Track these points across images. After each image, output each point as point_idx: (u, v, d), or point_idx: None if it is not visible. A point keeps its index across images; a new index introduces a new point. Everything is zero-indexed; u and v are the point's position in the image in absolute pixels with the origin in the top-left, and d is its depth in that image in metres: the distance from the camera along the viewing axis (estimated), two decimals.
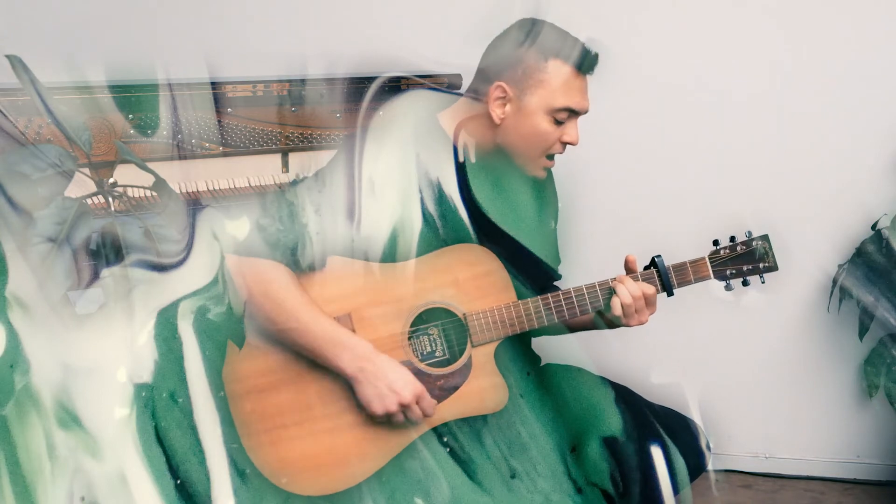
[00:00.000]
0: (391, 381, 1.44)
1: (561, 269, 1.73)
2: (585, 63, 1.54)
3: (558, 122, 1.54)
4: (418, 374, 1.50)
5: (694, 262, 1.58)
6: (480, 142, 1.60)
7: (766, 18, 2.31)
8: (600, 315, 1.60)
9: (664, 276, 1.56)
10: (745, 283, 1.58)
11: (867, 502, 2.35)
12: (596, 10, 2.36)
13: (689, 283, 1.58)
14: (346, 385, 1.47)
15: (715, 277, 1.58)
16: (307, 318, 1.45)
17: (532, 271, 1.66)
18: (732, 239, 1.59)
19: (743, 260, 1.58)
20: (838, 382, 2.43)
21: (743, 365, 2.46)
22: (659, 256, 1.57)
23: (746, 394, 2.47)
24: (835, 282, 2.26)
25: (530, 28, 1.55)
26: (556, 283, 1.73)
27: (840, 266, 2.28)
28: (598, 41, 1.56)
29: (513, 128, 1.56)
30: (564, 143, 1.58)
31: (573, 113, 1.55)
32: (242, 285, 1.46)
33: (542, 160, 1.59)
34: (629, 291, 1.53)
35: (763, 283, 1.58)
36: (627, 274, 1.57)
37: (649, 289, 1.54)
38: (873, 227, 2.24)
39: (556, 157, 1.61)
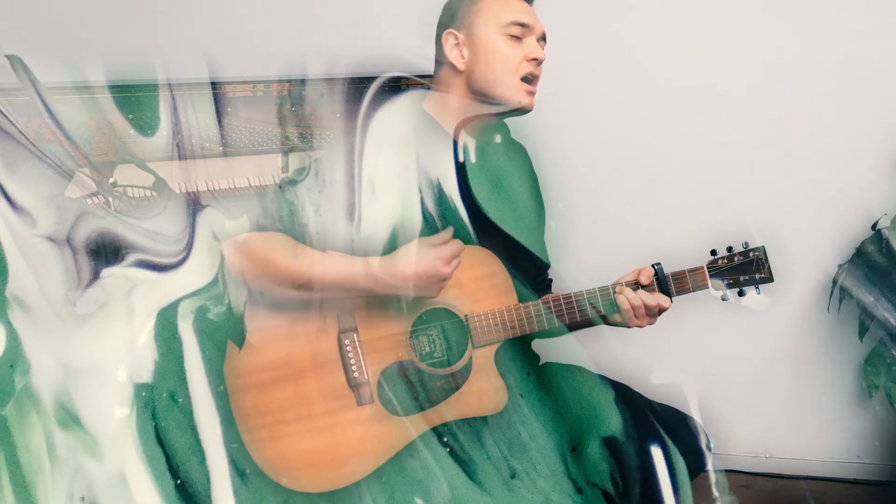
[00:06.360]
0: (418, 273, 1.45)
1: (560, 270, 1.72)
2: None
3: (515, 38, 1.57)
4: (418, 373, 1.51)
5: (693, 271, 1.58)
6: (459, 110, 1.62)
7: (766, 18, 2.31)
8: (602, 317, 1.61)
9: (663, 284, 1.57)
10: (740, 294, 1.59)
11: (867, 502, 2.35)
12: (596, 11, 2.37)
13: (687, 291, 1.58)
14: (346, 382, 1.48)
15: (712, 287, 1.59)
16: (320, 268, 1.46)
17: (531, 271, 1.66)
18: (730, 249, 1.60)
19: (739, 270, 1.59)
20: (838, 382, 2.43)
21: (743, 365, 2.46)
22: (658, 264, 1.58)
23: (746, 394, 2.47)
24: (835, 282, 2.26)
25: None
26: (548, 282, 1.73)
27: (840, 266, 2.28)
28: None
29: (476, 63, 1.59)
30: (533, 61, 1.58)
31: (526, 27, 1.58)
32: (244, 264, 1.46)
33: (519, 84, 1.59)
34: (629, 300, 1.54)
35: (759, 293, 1.59)
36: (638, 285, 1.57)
37: (651, 300, 1.55)
38: (873, 227, 2.24)
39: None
